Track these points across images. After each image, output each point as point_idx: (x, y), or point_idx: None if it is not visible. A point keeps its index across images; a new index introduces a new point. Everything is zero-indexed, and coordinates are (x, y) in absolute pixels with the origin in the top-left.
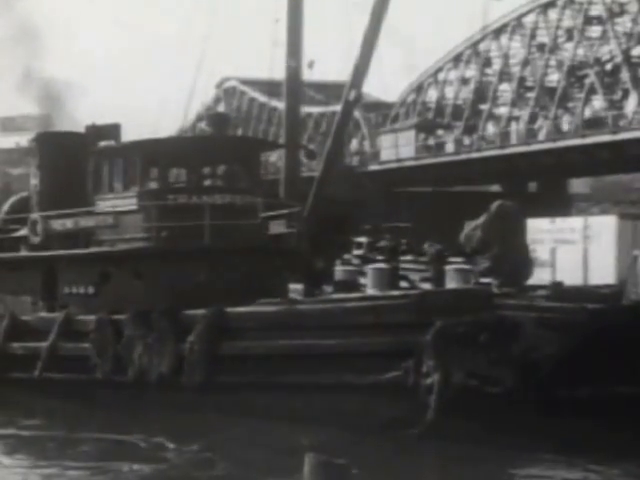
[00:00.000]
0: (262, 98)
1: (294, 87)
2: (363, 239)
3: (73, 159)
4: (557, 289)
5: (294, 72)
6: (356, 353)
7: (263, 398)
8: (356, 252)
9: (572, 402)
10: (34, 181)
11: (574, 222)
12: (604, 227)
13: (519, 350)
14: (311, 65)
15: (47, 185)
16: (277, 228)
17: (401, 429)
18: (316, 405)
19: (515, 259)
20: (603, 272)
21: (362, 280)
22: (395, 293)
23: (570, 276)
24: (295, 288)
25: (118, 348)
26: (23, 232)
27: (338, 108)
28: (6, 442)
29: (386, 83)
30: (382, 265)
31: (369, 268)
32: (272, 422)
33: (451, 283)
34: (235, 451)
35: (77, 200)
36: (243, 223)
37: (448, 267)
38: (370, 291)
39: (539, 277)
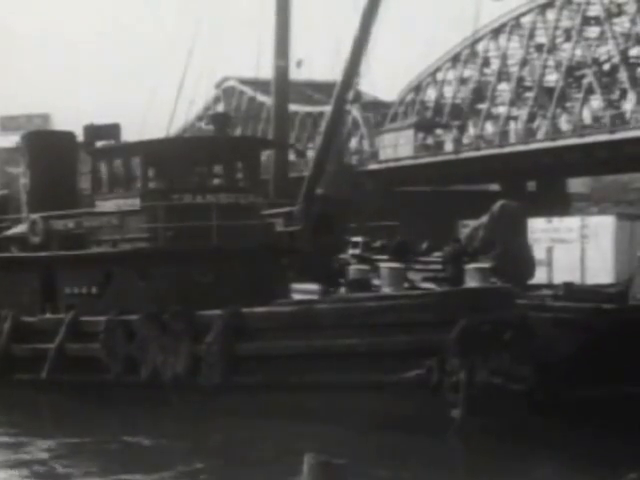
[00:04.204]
0: (261, 97)
1: (282, 86)
2: (359, 238)
3: (63, 158)
4: (568, 289)
5: (282, 71)
6: (377, 352)
7: (282, 398)
8: (352, 252)
9: (586, 402)
10: (24, 180)
11: (571, 222)
12: (601, 227)
13: (536, 349)
14: (299, 64)
15: (37, 184)
16: (279, 226)
17: (428, 429)
18: (337, 405)
19: (518, 259)
20: (600, 272)
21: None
22: (416, 292)
23: (567, 275)
24: (311, 288)
25: (130, 349)
26: (15, 231)
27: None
28: (14, 445)
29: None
30: (396, 264)
31: (382, 267)
32: (275, 422)
33: (471, 282)
34: (236, 451)
35: (67, 199)
36: (250, 223)
37: (467, 267)
38: (386, 290)
39: (536, 276)
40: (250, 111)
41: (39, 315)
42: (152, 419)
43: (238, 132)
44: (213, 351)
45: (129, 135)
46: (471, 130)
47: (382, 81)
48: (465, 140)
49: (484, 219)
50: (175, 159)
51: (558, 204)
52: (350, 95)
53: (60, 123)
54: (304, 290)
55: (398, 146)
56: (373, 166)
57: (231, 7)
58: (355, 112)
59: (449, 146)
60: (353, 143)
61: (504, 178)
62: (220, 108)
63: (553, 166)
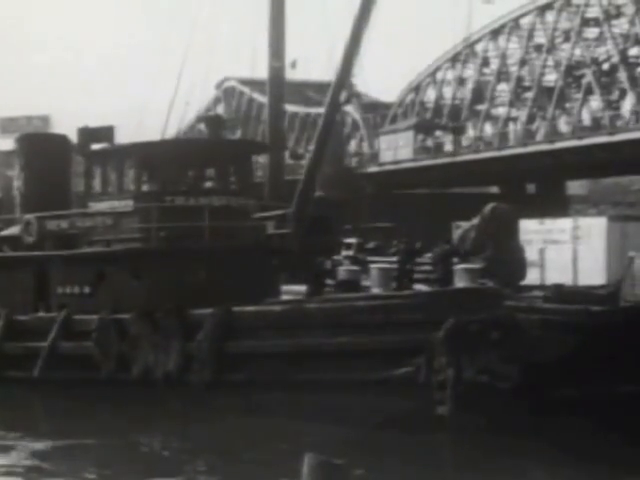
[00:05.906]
0: (261, 98)
1: (278, 87)
2: (352, 240)
3: (56, 161)
4: (557, 291)
5: (277, 72)
6: (367, 351)
7: (272, 396)
8: (345, 253)
9: (573, 402)
10: (17, 182)
11: (563, 223)
12: (594, 229)
13: (524, 350)
14: (294, 65)
15: (30, 186)
16: (270, 229)
17: (416, 426)
18: (326, 403)
19: (509, 260)
20: (592, 273)
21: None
22: (406, 292)
23: (559, 276)
24: (299, 290)
25: (122, 347)
26: (9, 232)
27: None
28: (5, 443)
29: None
30: (386, 265)
31: (373, 268)
32: (265, 420)
33: (459, 283)
34: (235, 450)
35: (60, 201)
36: (241, 225)
37: (457, 267)
38: (375, 291)
39: (528, 277)
40: (249, 111)
41: (32, 314)
42: (144, 417)
43: (239, 133)
44: (204, 349)
45: (125, 137)
46: (470, 132)
47: (381, 81)
48: (465, 142)
49: (475, 221)
50: (168, 162)
51: (557, 206)
52: (343, 95)
53: (60, 125)
54: (292, 291)
55: (398, 148)
56: (373, 169)
57: (226, 7)
58: (355, 113)
59: (448, 148)
60: (352, 145)
61: (503, 180)
62: (220, 109)
63: (552, 168)
